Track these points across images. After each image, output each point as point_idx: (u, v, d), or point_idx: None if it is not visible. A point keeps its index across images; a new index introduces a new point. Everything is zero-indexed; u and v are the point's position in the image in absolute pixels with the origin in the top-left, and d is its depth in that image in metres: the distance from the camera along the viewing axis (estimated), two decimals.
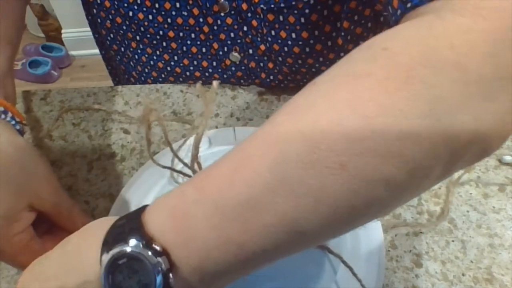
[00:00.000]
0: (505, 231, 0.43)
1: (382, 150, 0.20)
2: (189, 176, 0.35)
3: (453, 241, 0.42)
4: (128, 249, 0.23)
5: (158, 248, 0.23)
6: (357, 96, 0.21)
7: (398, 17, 0.28)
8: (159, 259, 0.22)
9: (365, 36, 0.48)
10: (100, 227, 0.25)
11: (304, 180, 0.21)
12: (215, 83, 0.29)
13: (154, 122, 0.53)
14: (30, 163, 0.33)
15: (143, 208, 0.25)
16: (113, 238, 0.24)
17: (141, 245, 0.23)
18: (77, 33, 1.87)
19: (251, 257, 0.23)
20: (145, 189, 0.44)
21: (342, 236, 0.37)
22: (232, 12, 0.49)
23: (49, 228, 0.35)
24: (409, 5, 0.26)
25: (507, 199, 0.45)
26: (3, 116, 0.35)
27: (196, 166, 0.32)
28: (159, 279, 0.22)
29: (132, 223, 0.24)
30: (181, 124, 0.53)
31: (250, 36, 0.51)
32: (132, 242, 0.23)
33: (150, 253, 0.22)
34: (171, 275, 0.23)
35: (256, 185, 0.22)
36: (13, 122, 0.36)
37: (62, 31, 1.89)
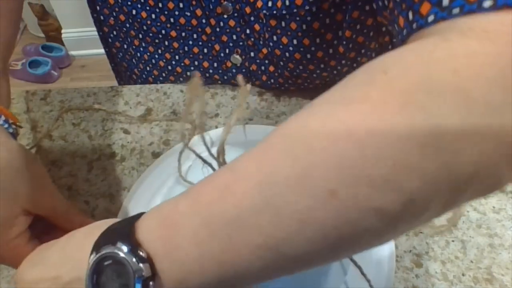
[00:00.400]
0: (505, 231, 0.43)
1: (376, 179, 0.19)
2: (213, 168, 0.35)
3: (453, 241, 0.42)
4: (114, 252, 0.23)
5: (143, 254, 0.23)
6: (352, 121, 0.20)
7: (404, 37, 0.27)
8: (142, 265, 0.22)
9: (367, 45, 0.48)
10: (103, 227, 0.26)
11: (291, 205, 0.20)
12: (240, 78, 0.29)
13: (154, 123, 0.53)
14: (24, 167, 0.32)
15: (140, 215, 0.25)
16: (104, 240, 0.24)
17: (126, 250, 0.23)
18: (77, 33, 1.87)
19: (233, 277, 0.22)
20: (153, 190, 0.44)
21: None
22: (235, 14, 0.49)
23: (47, 228, 0.35)
24: (414, 25, 0.25)
25: (507, 199, 0.45)
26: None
27: (221, 159, 0.32)
28: (138, 285, 0.22)
29: (125, 228, 0.24)
30: (181, 124, 0.53)
31: (252, 39, 0.51)
32: (120, 245, 0.23)
33: (134, 259, 0.23)
34: (151, 283, 0.23)
35: (243, 205, 0.21)
36: (6, 125, 0.35)
37: (62, 31, 1.89)
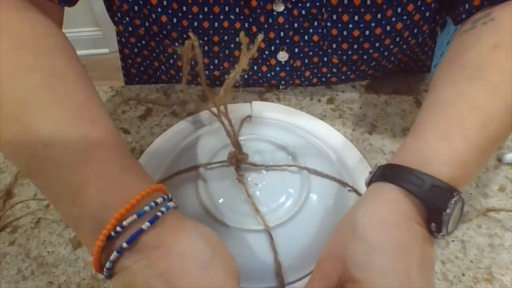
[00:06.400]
0: (505, 231, 0.43)
1: None
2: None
3: (453, 241, 0.42)
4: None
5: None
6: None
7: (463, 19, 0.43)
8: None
9: (421, 24, 0.50)
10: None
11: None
12: (260, 36, 0.32)
13: (154, 123, 0.53)
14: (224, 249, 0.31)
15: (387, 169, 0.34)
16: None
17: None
18: (77, 33, 1.86)
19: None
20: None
21: None
22: (285, 12, 0.49)
23: None
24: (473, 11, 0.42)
25: (507, 199, 0.45)
26: (172, 203, 0.30)
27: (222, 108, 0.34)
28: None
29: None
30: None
31: (300, 31, 0.51)
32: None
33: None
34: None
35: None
36: (173, 203, 0.31)
37: (62, 31, 1.89)
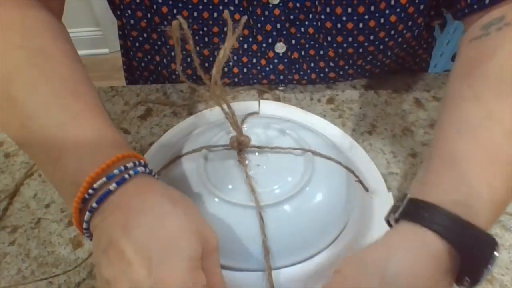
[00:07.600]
0: (505, 231, 0.43)
1: None
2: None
3: None
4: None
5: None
6: None
7: (465, 14, 0.42)
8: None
9: (416, 17, 0.50)
10: None
11: None
12: (244, 18, 0.32)
13: (154, 123, 0.53)
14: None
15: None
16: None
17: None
18: (77, 33, 1.86)
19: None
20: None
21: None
22: (281, 4, 0.50)
23: None
24: (476, 6, 0.41)
25: None
26: (142, 168, 0.31)
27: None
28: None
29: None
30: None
31: (296, 23, 0.51)
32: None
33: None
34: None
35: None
36: (147, 170, 0.32)
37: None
